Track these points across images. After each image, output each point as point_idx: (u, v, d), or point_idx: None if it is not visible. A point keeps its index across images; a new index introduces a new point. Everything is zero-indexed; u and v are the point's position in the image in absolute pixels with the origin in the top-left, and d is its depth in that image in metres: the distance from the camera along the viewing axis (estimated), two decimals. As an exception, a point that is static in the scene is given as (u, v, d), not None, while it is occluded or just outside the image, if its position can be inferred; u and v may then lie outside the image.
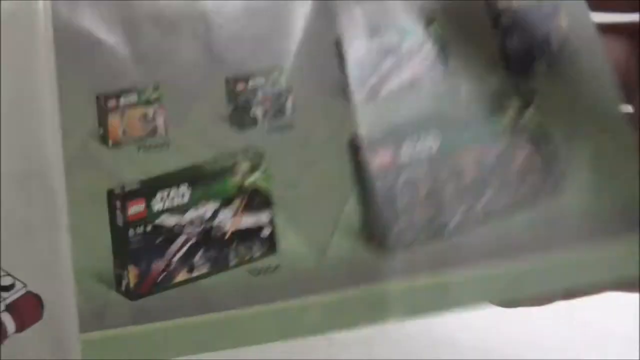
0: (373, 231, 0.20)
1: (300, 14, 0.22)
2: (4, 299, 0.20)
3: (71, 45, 0.21)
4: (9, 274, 0.20)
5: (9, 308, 0.20)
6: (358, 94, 0.21)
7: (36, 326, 0.20)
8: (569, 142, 0.21)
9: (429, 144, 0.21)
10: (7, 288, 0.20)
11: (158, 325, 0.20)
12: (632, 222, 0.20)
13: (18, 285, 0.20)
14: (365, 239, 0.20)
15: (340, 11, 0.22)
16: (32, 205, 0.20)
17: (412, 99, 0.21)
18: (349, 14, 0.22)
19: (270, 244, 0.20)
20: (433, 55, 0.22)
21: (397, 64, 0.22)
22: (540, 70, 0.22)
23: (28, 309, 0.20)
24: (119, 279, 0.20)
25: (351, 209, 0.20)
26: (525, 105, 0.21)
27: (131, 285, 0.20)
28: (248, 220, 0.21)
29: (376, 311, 0.20)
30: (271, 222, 0.21)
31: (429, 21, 0.22)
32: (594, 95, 0.21)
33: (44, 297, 0.20)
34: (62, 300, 0.20)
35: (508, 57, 0.22)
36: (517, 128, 0.21)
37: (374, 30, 0.22)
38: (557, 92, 0.22)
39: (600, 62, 0.22)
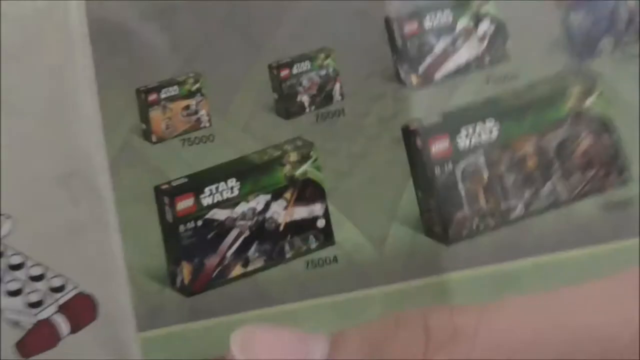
0: (433, 221, 0.20)
1: (346, -7, 0.21)
2: (56, 299, 0.20)
3: (107, 39, 0.20)
4: (59, 275, 0.20)
5: (62, 309, 0.20)
6: (411, 78, 0.21)
7: (91, 327, 0.20)
8: (635, 130, 0.20)
9: (488, 131, 0.20)
10: (59, 289, 0.20)
11: (215, 321, 0.20)
12: None
13: (69, 285, 0.20)
14: (426, 229, 0.20)
15: (388, -12, 0.21)
16: (79, 205, 0.20)
17: (468, 83, 0.21)
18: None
19: (327, 235, 0.20)
20: (490, 35, 0.21)
21: (452, 44, 0.21)
22: (605, 50, 0.21)
23: (81, 310, 0.20)
24: (173, 276, 0.20)
25: (409, 198, 0.20)
26: (589, 90, 0.20)
27: (186, 281, 0.20)
28: (301, 212, 0.20)
29: (439, 303, 0.20)
30: (326, 213, 0.20)
31: (484, -2, 0.21)
32: None
33: (97, 297, 0.20)
34: (117, 299, 0.20)
35: (572, 35, 0.21)
36: (579, 115, 0.20)
37: (426, 9, 0.21)
38: (623, 76, 0.21)
39: None
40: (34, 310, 0.20)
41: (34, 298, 0.20)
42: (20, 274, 0.20)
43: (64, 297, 0.20)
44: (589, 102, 0.20)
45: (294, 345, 0.16)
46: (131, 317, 0.20)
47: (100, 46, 0.20)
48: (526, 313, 0.15)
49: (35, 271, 0.20)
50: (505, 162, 0.20)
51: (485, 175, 0.20)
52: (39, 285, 0.20)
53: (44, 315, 0.20)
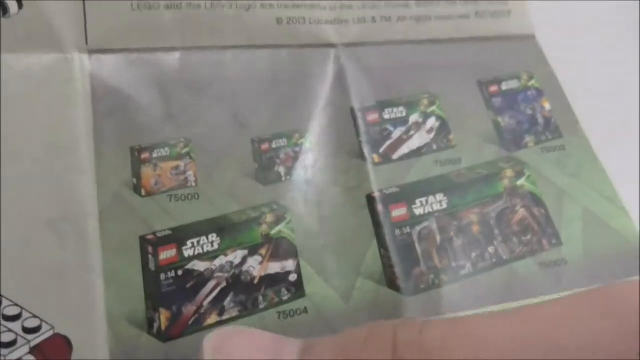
0: (395, 275, 0.22)
1: (319, 84, 0.25)
2: (29, 341, 0.20)
3: (107, 100, 0.23)
4: (35, 316, 0.20)
5: (34, 350, 0.20)
6: (373, 156, 0.24)
7: (63, 368, 0.20)
8: (559, 203, 0.25)
9: (438, 202, 0.24)
10: (33, 330, 0.20)
11: (189, 366, 0.20)
12: (630, 266, 0.24)
13: (45, 327, 0.20)
14: (387, 283, 0.22)
15: (352, 85, 0.25)
16: (66, 249, 0.21)
17: (420, 163, 0.24)
18: (360, 88, 0.25)
19: (298, 288, 0.22)
20: (436, 129, 0.25)
21: (405, 133, 0.25)
22: (529, 144, 0.26)
23: (55, 351, 0.20)
24: (150, 322, 0.20)
25: (373, 255, 0.22)
26: (519, 173, 0.25)
27: (162, 327, 0.20)
28: (275, 267, 0.22)
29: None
30: (297, 268, 0.22)
31: (431, 101, 0.26)
32: (578, 164, 0.26)
33: (73, 339, 0.20)
34: (93, 342, 0.20)
35: (501, 133, 0.26)
36: (514, 191, 0.25)
37: (384, 104, 0.25)
38: (546, 163, 0.26)
39: (579, 136, 0.27)
40: (4, 351, 0.20)
41: (5, 338, 0.20)
42: (-6, 314, 0.20)
43: (37, 339, 0.20)
44: (519, 182, 0.25)
45: (265, 346, 0.17)
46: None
47: (100, 104, 0.22)
48: (492, 328, 0.15)
49: (10, 311, 0.20)
50: (454, 228, 0.23)
51: (438, 238, 0.23)
52: (13, 325, 0.20)
53: (14, 356, 0.19)
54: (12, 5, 0.22)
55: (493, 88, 0.27)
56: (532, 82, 0.28)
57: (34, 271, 0.20)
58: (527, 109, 0.27)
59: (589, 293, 0.15)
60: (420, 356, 0.15)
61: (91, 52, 0.23)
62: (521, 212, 0.24)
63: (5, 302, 0.20)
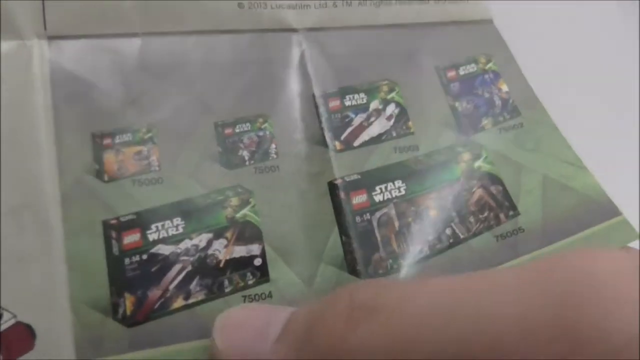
0: (355, 261, 0.23)
1: (282, 70, 0.25)
2: (-10, 330, 0.20)
3: (67, 87, 0.22)
4: (-4, 305, 0.20)
5: (-4, 339, 0.19)
6: (335, 143, 0.25)
7: (27, 356, 0.19)
8: (518, 178, 0.26)
9: (397, 189, 0.24)
10: (-5, 319, 0.20)
11: (155, 351, 0.20)
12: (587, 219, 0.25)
13: (6, 315, 0.20)
14: (348, 269, 0.23)
15: (314, 71, 0.26)
16: (26, 236, 0.20)
17: (379, 150, 0.25)
18: (322, 75, 0.26)
19: (263, 273, 0.22)
20: (395, 116, 0.26)
21: (366, 120, 0.26)
22: (486, 127, 0.27)
23: (17, 340, 0.20)
24: (115, 307, 0.20)
25: (334, 242, 0.23)
26: (476, 156, 0.26)
27: (128, 312, 0.20)
28: (240, 251, 0.22)
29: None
30: (262, 253, 0.22)
31: (391, 88, 0.26)
32: (536, 138, 0.27)
33: (36, 327, 0.20)
34: (57, 329, 0.20)
35: (458, 117, 0.27)
36: (471, 173, 0.25)
37: (345, 91, 0.26)
38: (503, 142, 0.27)
39: (538, 110, 0.28)
40: (-35, 341, 0.19)
41: (-35, 328, 0.19)
42: (-47, 302, 0.19)
43: (-1, 327, 0.20)
44: (476, 164, 0.26)
45: (258, 316, 0.18)
46: (71, 348, 0.20)
47: (60, 91, 0.22)
48: (443, 293, 0.15)
49: (-29, 300, 0.20)
50: (412, 213, 0.24)
51: (397, 224, 0.24)
52: (-27, 314, 0.20)
53: (-26, 345, 0.19)
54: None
55: (451, 74, 0.27)
56: (489, 65, 0.29)
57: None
58: (484, 93, 0.28)
59: (526, 266, 0.15)
60: (376, 314, 0.15)
61: (50, 38, 0.22)
62: (478, 192, 0.25)
63: (-35, 291, 0.20)
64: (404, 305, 0.15)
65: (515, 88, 0.28)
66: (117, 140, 0.22)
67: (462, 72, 0.28)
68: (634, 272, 0.14)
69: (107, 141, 0.22)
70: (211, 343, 0.19)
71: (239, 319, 0.19)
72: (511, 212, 0.25)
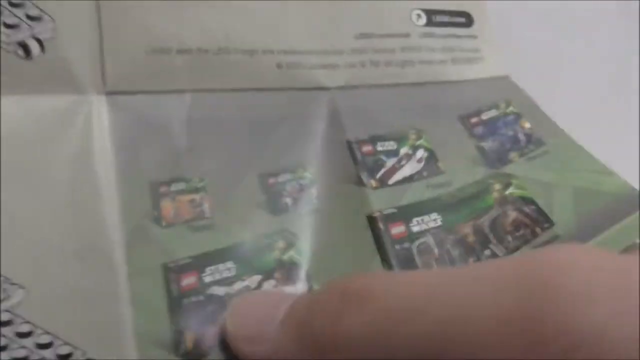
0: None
1: (316, 123, 0.27)
2: (62, 368, 0.20)
3: (125, 139, 0.24)
4: (67, 343, 0.21)
5: (68, 377, 0.20)
6: (371, 182, 0.27)
7: (96, 391, 0.20)
8: (550, 195, 0.27)
9: (433, 221, 0.26)
10: (66, 357, 0.21)
11: (216, 382, 0.21)
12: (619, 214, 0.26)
13: (77, 353, 0.21)
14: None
15: (347, 123, 0.28)
16: (92, 277, 0.22)
17: (413, 188, 0.27)
18: (354, 125, 0.28)
19: (310, 309, 0.23)
20: (425, 159, 0.28)
21: (397, 163, 0.28)
22: (514, 159, 0.29)
23: (87, 376, 0.20)
24: (177, 344, 0.21)
25: (377, 269, 0.24)
26: (507, 185, 0.27)
27: (188, 349, 0.21)
28: (289, 290, 0.23)
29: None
30: (310, 291, 0.24)
31: (418, 136, 0.29)
32: (563, 159, 0.29)
33: (104, 363, 0.21)
34: (124, 365, 0.21)
35: (485, 155, 0.29)
36: (503, 201, 0.27)
37: (376, 138, 0.28)
38: (533, 168, 0.28)
39: (561, 135, 0.30)
40: (39, 379, 0.20)
41: (39, 366, 0.20)
42: (28, 342, 0.21)
43: (70, 365, 0.21)
44: (508, 192, 0.27)
45: (267, 300, 0.20)
46: (137, 382, 0.21)
47: (119, 142, 0.24)
48: (424, 285, 0.16)
49: (44, 339, 0.21)
50: (450, 241, 0.25)
51: (436, 251, 0.25)
52: (46, 353, 0.21)
53: (48, 382, 0.20)
54: (35, 48, 0.24)
55: (474, 120, 0.30)
56: (510, 108, 0.31)
57: (64, 300, 0.21)
58: (508, 131, 0.30)
59: (509, 257, 0.16)
60: (366, 302, 0.16)
61: (108, 93, 0.25)
62: (513, 214, 0.26)
63: (37, 331, 0.21)
64: (387, 296, 0.16)
65: (538, 123, 0.30)
66: (173, 188, 0.24)
67: (484, 117, 0.30)
68: (614, 272, 0.14)
69: (163, 189, 0.24)
70: (222, 324, 0.21)
71: (250, 302, 0.21)
72: (546, 225, 0.26)
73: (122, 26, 0.25)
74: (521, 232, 0.26)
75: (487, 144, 0.29)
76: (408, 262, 0.24)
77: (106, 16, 0.25)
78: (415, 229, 0.25)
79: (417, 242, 0.25)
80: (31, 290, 0.21)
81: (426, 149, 0.28)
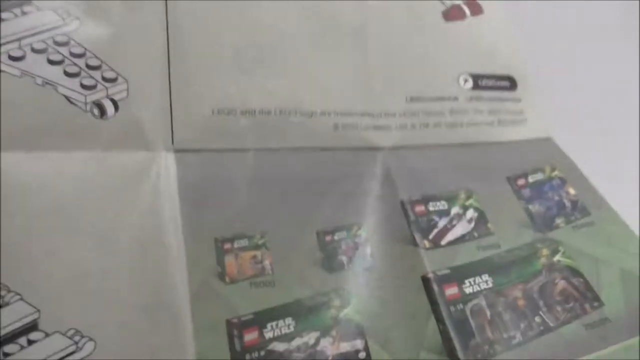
0: (453, 348, 0.24)
1: (370, 182, 0.29)
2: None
3: (192, 196, 0.25)
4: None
5: None
6: (424, 242, 0.27)
7: None
8: (597, 271, 0.28)
9: (484, 282, 0.27)
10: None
11: None
12: None
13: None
14: (448, 355, 0.24)
15: (399, 182, 0.29)
16: (160, 332, 0.23)
17: (465, 249, 0.28)
18: (406, 185, 0.29)
19: (368, 366, 0.24)
20: (475, 219, 0.29)
21: (449, 223, 0.29)
22: (560, 225, 0.30)
23: None
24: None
25: (432, 330, 0.25)
26: (554, 251, 0.28)
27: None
28: (345, 346, 0.24)
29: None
30: (365, 347, 0.24)
31: (468, 196, 0.30)
32: (608, 235, 0.29)
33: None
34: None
35: (533, 218, 0.29)
36: (552, 266, 0.28)
37: (427, 198, 0.29)
38: (579, 239, 0.29)
39: (606, 209, 0.30)
40: None
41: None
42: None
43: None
44: (556, 258, 0.28)
45: None
46: None
47: (186, 199, 0.25)
48: None
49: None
50: (501, 303, 0.26)
51: (488, 313, 0.26)
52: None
53: None
54: (110, 108, 0.26)
55: (521, 182, 0.31)
56: (555, 173, 0.32)
57: (133, 354, 0.22)
58: (554, 196, 0.31)
59: None
60: None
61: (177, 151, 0.26)
62: (561, 284, 0.27)
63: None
64: None
65: (582, 191, 0.31)
66: (236, 245, 0.25)
67: (530, 179, 0.31)
68: None
69: (227, 246, 0.25)
70: None
71: None
72: (595, 303, 0.27)
73: (191, 87, 0.27)
74: (570, 304, 0.27)
75: (534, 207, 0.30)
76: (462, 324, 0.25)
77: (175, 77, 0.27)
78: (468, 290, 0.26)
79: (470, 304, 0.26)
80: (101, 344, 0.22)
81: (476, 209, 0.29)
